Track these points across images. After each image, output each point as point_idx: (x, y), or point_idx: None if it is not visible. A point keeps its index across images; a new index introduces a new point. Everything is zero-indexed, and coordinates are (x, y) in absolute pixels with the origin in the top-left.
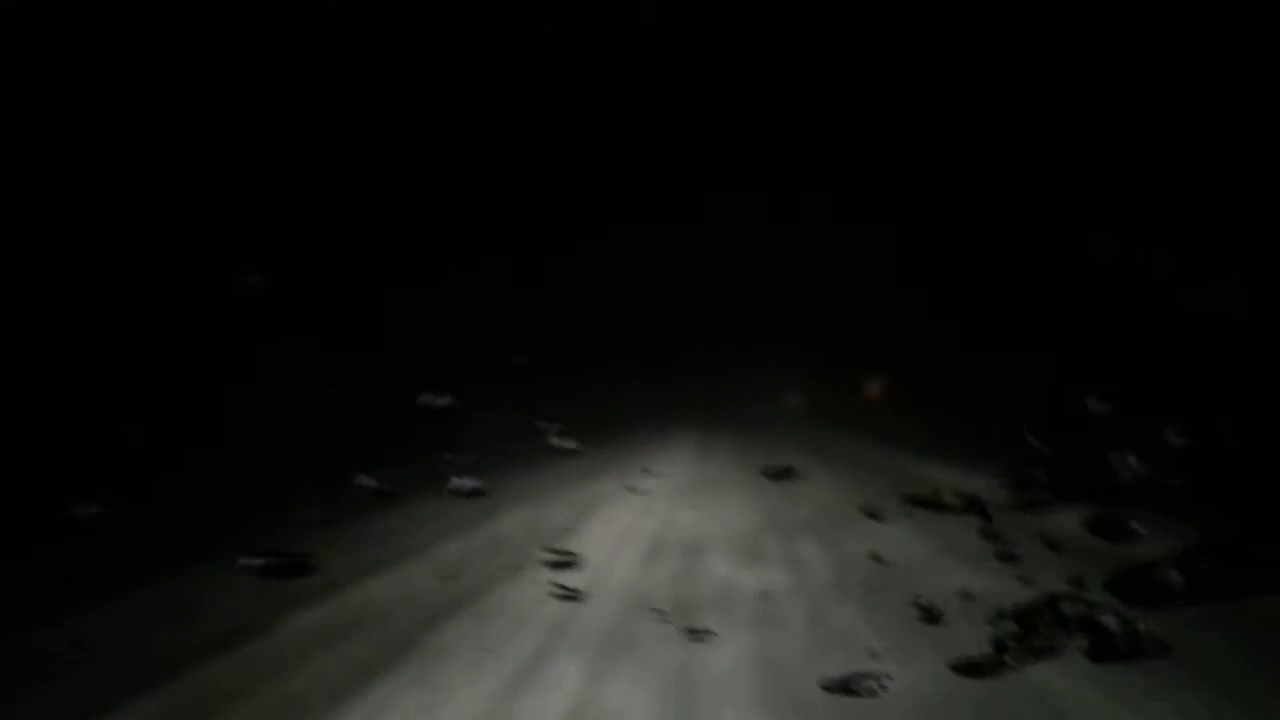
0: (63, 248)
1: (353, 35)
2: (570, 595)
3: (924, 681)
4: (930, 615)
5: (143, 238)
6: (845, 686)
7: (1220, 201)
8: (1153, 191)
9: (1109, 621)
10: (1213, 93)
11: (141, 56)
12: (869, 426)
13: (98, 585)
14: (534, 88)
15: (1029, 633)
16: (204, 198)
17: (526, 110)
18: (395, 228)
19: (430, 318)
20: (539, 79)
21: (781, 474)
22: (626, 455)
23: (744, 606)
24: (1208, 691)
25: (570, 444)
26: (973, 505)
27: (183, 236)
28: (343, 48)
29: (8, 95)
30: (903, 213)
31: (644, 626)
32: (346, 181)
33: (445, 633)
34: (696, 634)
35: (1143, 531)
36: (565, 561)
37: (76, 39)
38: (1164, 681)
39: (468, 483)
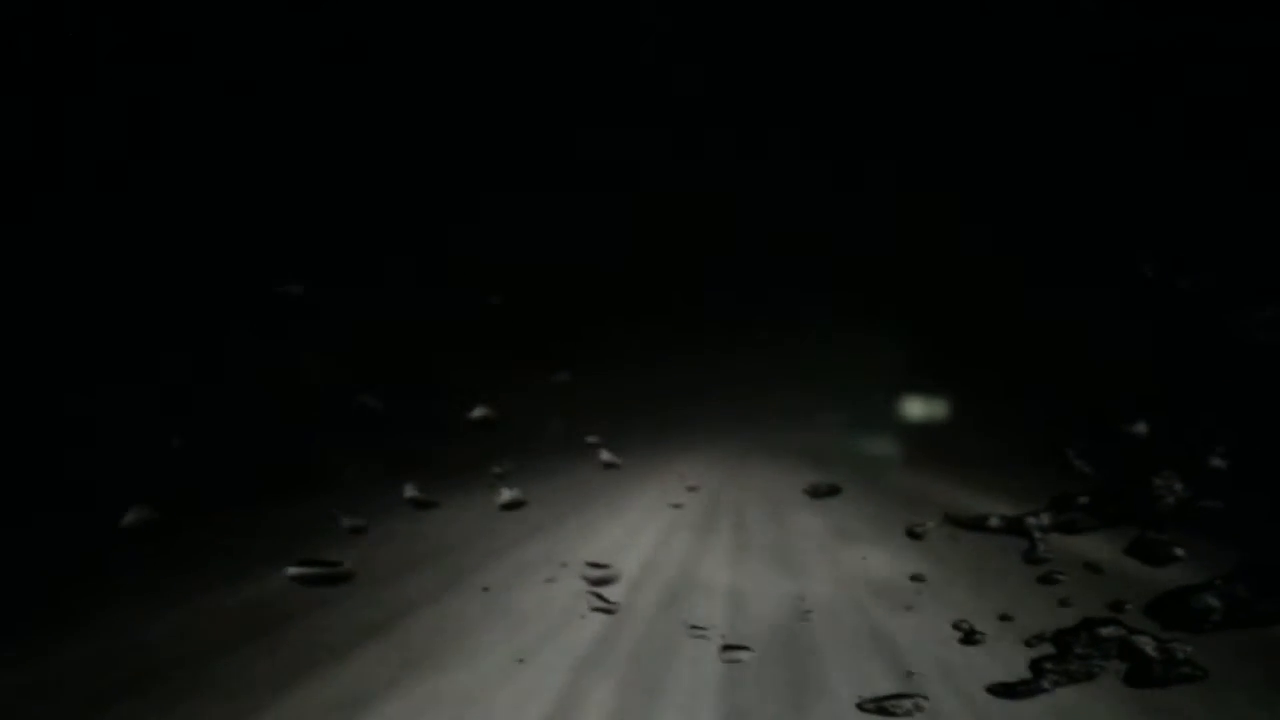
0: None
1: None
2: (608, 608)
3: (961, 704)
4: (969, 637)
5: (178, 239)
6: (882, 707)
7: (1268, 223)
8: (1198, 210)
9: (1147, 646)
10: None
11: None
12: (912, 445)
13: (145, 590)
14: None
15: (1066, 656)
16: (241, 202)
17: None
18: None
19: (472, 327)
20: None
21: (824, 492)
22: (668, 469)
23: (784, 624)
24: (1244, 717)
25: (612, 457)
26: (1015, 527)
27: (219, 242)
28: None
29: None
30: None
31: (681, 642)
32: (372, 184)
33: (481, 643)
34: (734, 651)
35: (1184, 556)
36: (604, 576)
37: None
38: (1201, 707)
39: (506, 493)
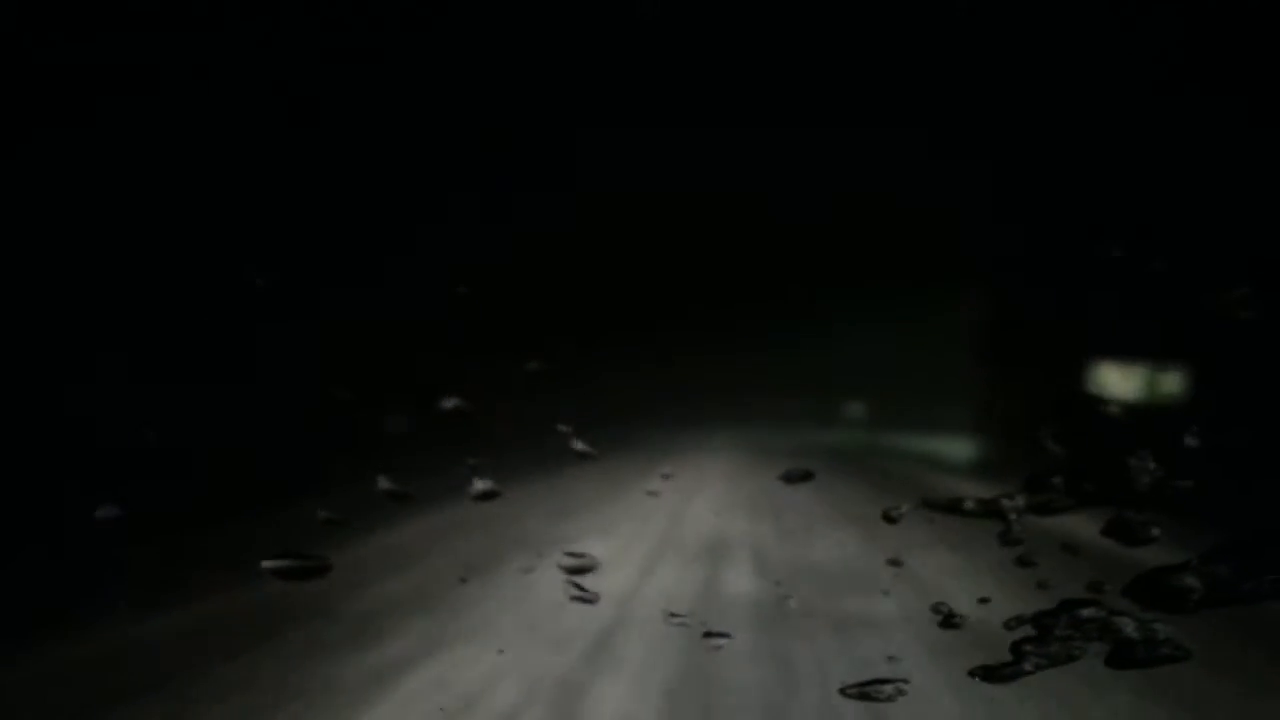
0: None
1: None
2: (586, 598)
3: (942, 688)
4: (948, 620)
5: (145, 235)
6: (864, 692)
7: (1239, 204)
8: (1168, 191)
9: (1127, 627)
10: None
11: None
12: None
13: (133, 591)
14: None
15: (1046, 638)
16: (210, 195)
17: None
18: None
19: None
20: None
21: (799, 478)
22: (644, 458)
23: (762, 611)
24: (1228, 695)
25: (586, 447)
26: (990, 509)
27: (188, 235)
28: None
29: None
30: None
31: (661, 629)
32: (345, 176)
33: (460, 635)
34: (714, 637)
35: (1161, 536)
36: (581, 565)
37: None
38: (1183, 686)
39: (480, 484)
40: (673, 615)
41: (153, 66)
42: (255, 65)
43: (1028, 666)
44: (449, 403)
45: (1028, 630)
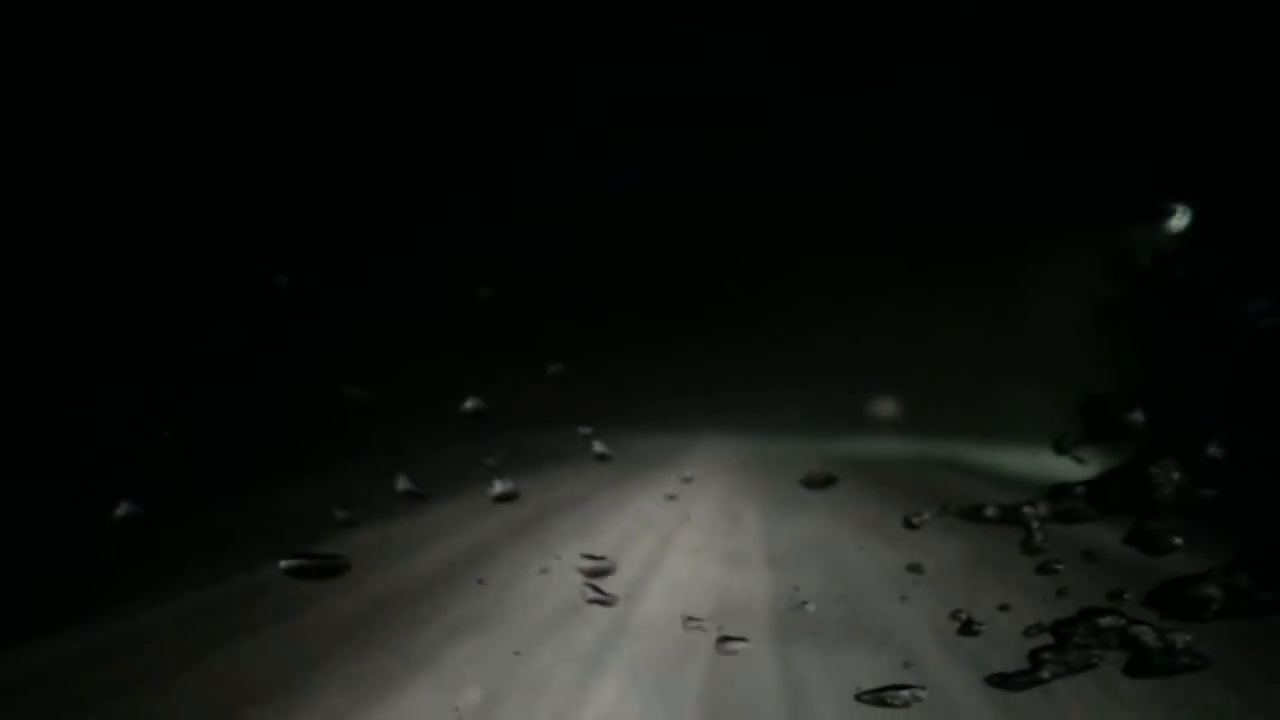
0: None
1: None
2: (604, 600)
3: (959, 695)
4: (967, 627)
5: (159, 234)
6: (880, 698)
7: (1270, 208)
8: (1199, 196)
9: (1146, 636)
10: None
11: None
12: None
13: (139, 586)
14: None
15: (1065, 646)
16: (225, 195)
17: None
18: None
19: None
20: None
21: (821, 483)
22: (664, 461)
23: (780, 616)
24: (1244, 705)
25: (604, 449)
26: (1012, 517)
27: (205, 234)
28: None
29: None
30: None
31: (678, 634)
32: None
33: (477, 636)
34: (731, 642)
35: (1182, 545)
36: (599, 568)
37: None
38: (1201, 695)
39: (499, 485)
40: (690, 619)
41: (155, 66)
42: (255, 64)
43: (1046, 674)
44: (469, 404)
45: (1047, 638)
